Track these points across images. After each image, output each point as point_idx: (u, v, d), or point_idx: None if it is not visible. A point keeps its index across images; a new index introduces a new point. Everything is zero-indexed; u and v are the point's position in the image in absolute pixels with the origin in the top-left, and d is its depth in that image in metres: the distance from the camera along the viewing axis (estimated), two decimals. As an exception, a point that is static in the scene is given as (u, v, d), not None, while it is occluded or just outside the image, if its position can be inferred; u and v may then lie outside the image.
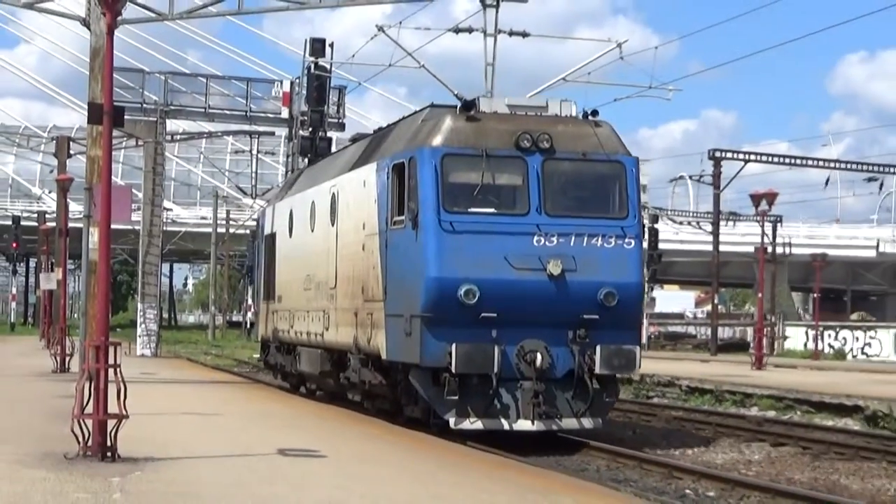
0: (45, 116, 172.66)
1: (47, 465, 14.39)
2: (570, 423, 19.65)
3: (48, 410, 21.52)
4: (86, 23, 35.92)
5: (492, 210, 19.71)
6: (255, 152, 63.43)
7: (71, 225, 42.97)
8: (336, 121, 50.71)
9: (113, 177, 16.84)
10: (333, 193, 24.67)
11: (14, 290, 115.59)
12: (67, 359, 35.57)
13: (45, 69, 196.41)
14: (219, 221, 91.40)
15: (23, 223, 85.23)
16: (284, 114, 53.08)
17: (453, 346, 18.78)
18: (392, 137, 22.57)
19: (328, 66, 43.93)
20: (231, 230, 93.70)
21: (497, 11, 34.60)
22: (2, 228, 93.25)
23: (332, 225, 24.60)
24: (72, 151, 53.05)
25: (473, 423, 19.24)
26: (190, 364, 49.48)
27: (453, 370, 18.81)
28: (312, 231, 26.58)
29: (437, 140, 19.72)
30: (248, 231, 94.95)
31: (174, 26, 79.39)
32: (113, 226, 16.25)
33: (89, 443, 14.86)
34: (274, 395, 31.16)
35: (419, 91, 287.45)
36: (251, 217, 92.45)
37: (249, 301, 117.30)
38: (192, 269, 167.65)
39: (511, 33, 34.01)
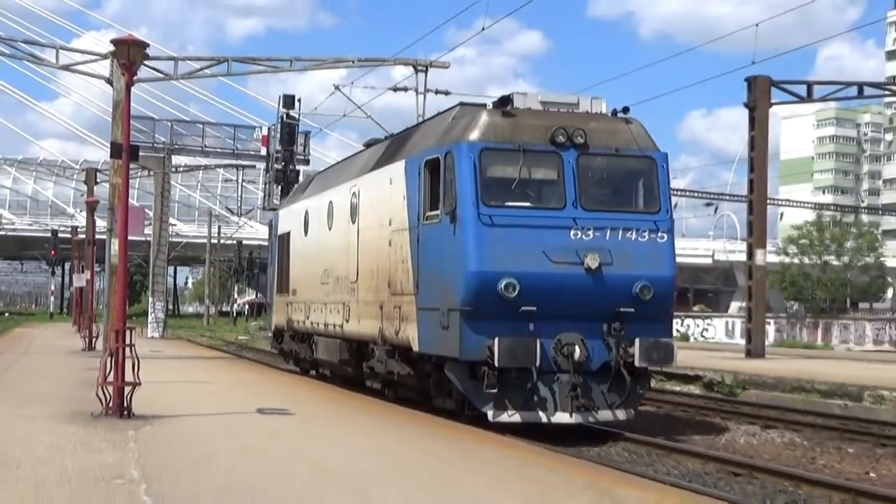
0: (77, 153, 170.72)
1: (77, 421, 14.27)
2: (605, 415, 15.85)
3: (78, 379, 21.29)
4: (109, 81, 35.66)
5: (528, 204, 15.75)
6: (240, 181, 63.30)
7: (97, 237, 42.68)
8: (302, 158, 50.50)
9: (129, 200, 16.67)
10: (354, 193, 20.75)
11: (53, 287, 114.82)
12: (93, 340, 35.27)
13: (78, 116, 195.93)
14: (212, 234, 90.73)
15: (60, 235, 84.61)
16: (263, 152, 52.82)
17: (496, 340, 14.95)
18: (418, 136, 18.72)
19: (297, 116, 43.87)
20: (221, 241, 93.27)
21: (426, 75, 34.87)
22: (43, 240, 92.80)
23: (353, 223, 20.60)
24: (98, 180, 52.44)
25: (512, 417, 15.43)
26: (189, 344, 49.14)
27: (496, 364, 14.97)
28: (330, 229, 22.55)
29: (475, 135, 15.83)
30: (234, 241, 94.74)
31: (178, 85, 78.91)
32: (129, 237, 16.13)
33: (110, 404, 14.77)
34: (255, 368, 30.98)
35: (367, 135, 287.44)
36: (237, 230, 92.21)
37: (235, 295, 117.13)
38: (191, 270, 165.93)
39: (436, 92, 34.25)
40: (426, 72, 34.87)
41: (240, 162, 58.87)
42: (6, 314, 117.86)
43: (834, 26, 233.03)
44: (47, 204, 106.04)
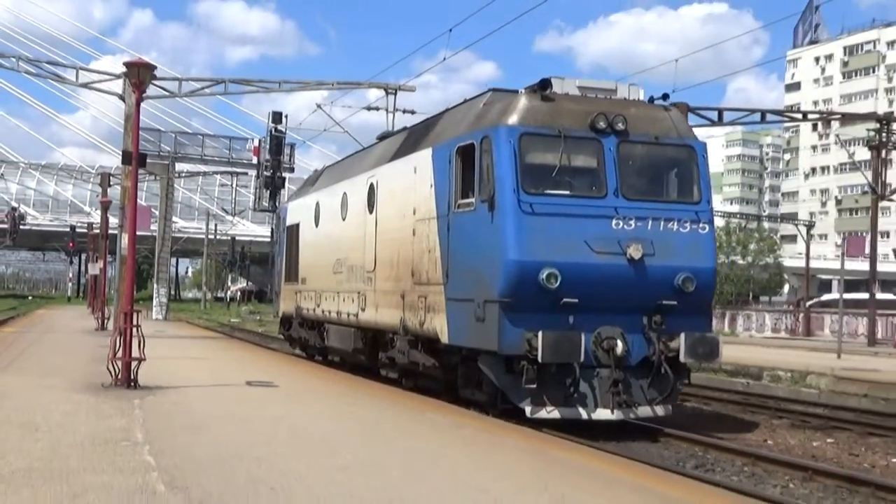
0: (94, 159, 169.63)
1: (90, 391, 14.16)
2: (645, 410, 13.22)
3: (91, 355, 21.10)
4: (122, 98, 35.37)
5: (568, 192, 13.03)
6: (234, 186, 63.07)
7: (110, 232, 42.33)
8: (288, 166, 50.21)
9: (138, 200, 16.54)
10: (371, 184, 17.77)
11: (70, 275, 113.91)
12: (105, 321, 34.98)
13: (95, 128, 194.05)
14: (209, 231, 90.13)
15: (77, 230, 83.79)
16: (254, 160, 52.52)
17: (539, 334, 12.25)
18: (444, 124, 15.65)
19: (284, 130, 43.70)
20: (217, 237, 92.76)
21: (395, 97, 34.92)
22: (62, 234, 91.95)
23: (371, 212, 17.73)
24: (111, 183, 51.86)
25: (550, 413, 12.76)
26: (188, 325, 48.85)
27: (539, 359, 12.29)
28: (344, 220, 19.70)
29: (514, 119, 13.08)
30: (228, 237, 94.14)
31: (182, 102, 78.37)
32: (137, 233, 15.99)
33: (119, 377, 14.69)
34: (245, 346, 30.83)
35: (344, 147, 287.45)
36: (231, 227, 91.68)
37: (229, 283, 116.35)
38: (191, 261, 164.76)
39: (404, 111, 34.30)
40: (395, 94, 35.01)
41: (234, 169, 58.61)
42: (29, 297, 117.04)
43: (742, 62, 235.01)
44: (67, 203, 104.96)
